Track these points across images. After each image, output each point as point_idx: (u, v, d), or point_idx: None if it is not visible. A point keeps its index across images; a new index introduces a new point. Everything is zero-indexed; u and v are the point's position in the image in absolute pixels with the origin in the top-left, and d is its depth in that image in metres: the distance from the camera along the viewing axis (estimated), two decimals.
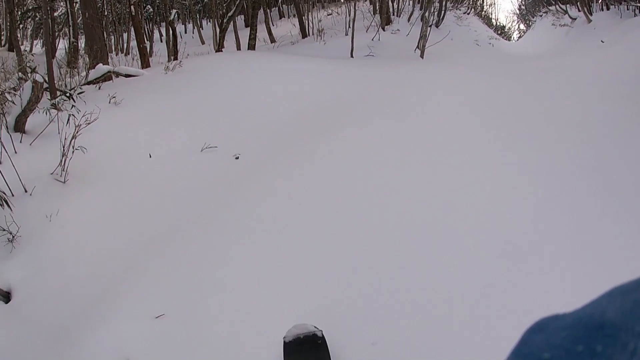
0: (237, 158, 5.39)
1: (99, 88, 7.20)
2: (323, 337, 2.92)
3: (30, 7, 20.12)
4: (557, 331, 0.48)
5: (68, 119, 4.79)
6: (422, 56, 11.33)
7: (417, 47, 12.05)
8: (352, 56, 11.07)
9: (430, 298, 3.32)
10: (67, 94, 4.95)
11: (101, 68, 8.36)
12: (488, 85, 8.60)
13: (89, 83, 7.88)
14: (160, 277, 3.77)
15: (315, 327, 2.97)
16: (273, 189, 4.88)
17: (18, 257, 4.04)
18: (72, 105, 4.87)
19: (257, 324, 3.24)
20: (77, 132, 4.75)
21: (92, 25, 11.01)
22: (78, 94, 5.30)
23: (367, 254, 3.84)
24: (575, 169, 5.22)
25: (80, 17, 13.67)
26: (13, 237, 4.06)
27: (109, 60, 15.58)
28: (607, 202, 4.59)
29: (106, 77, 8.25)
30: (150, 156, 5.22)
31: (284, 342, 2.92)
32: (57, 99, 5.14)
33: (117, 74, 8.46)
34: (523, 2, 33.32)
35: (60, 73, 8.76)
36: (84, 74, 8.25)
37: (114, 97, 6.25)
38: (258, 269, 3.79)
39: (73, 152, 4.76)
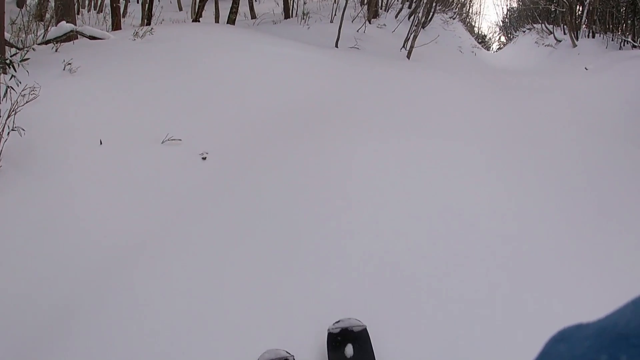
0: (204, 158, 4.54)
1: (56, 50, 6.20)
2: None
3: None
4: (580, 341, 0.47)
5: (6, 92, 3.87)
6: (408, 57, 10.61)
7: (404, 46, 11.33)
8: (337, 46, 10.25)
9: (446, 308, 3.28)
10: (8, 61, 3.99)
11: (64, 26, 7.33)
12: (481, 100, 7.95)
13: (47, 42, 6.86)
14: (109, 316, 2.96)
15: (287, 352, 2.77)
16: (243, 203, 4.09)
17: None
18: (12, 76, 3.93)
19: None
20: (14, 109, 3.84)
21: None
22: (21, 61, 4.34)
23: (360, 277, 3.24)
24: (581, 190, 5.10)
25: None
26: None
27: (79, 17, 14.35)
28: (619, 218, 4.58)
29: (69, 36, 7.25)
30: (100, 143, 4.33)
31: None
32: None
33: (81, 35, 7.45)
34: (507, 15, 32.70)
35: (21, 26, 7.65)
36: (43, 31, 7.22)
37: (70, 63, 5.31)
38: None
39: (9, 133, 3.87)
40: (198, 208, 3.99)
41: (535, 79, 11.52)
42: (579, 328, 0.49)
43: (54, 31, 7.03)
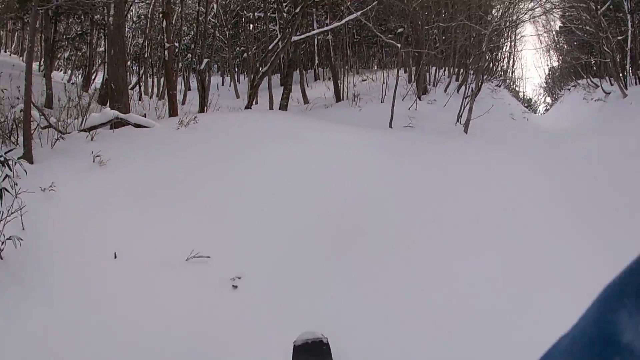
0: (235, 287, 3.52)
1: (92, 139, 5.54)
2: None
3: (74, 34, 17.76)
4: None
5: (1, 194, 3.06)
6: (465, 131, 9.60)
7: (458, 121, 10.36)
8: (390, 126, 9.37)
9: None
10: (3, 159, 3.19)
11: (107, 113, 6.78)
12: (547, 174, 6.81)
13: (90, 129, 6.25)
14: None
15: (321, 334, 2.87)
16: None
17: None
18: (6, 176, 3.13)
19: None
20: (14, 211, 3.05)
21: (117, 64, 9.51)
22: (19, 158, 3.60)
23: None
24: None
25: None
26: None
27: (140, 102, 14.13)
28: None
29: (115, 123, 6.65)
30: (115, 256, 3.44)
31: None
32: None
33: (127, 122, 6.86)
34: (550, 76, 31.45)
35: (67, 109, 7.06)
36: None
37: (99, 155, 4.58)
38: None
39: (4, 242, 3.05)
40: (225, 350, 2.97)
41: (600, 138, 10.31)
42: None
43: (96, 117, 6.43)
